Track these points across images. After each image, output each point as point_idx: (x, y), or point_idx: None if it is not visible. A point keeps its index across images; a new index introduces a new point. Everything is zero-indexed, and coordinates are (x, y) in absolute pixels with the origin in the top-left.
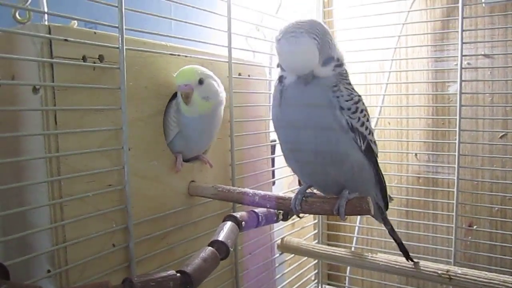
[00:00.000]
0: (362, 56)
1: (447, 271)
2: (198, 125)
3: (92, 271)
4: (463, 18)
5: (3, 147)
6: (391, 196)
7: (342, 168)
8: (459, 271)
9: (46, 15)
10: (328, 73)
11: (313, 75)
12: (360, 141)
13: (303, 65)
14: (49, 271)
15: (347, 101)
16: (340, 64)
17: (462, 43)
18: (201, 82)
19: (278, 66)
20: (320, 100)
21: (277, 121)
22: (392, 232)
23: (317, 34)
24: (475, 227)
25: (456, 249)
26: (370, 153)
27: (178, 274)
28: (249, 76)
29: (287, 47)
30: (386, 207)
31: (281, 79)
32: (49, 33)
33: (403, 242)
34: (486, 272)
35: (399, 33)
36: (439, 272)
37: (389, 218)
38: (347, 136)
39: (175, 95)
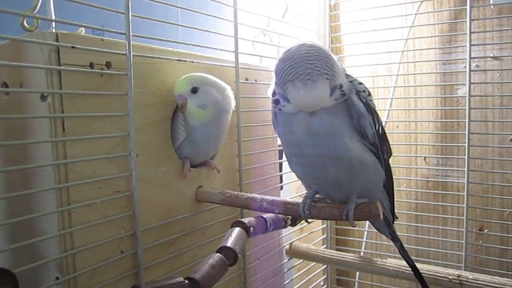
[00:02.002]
0: (369, 60)
1: (458, 276)
2: (203, 131)
3: (101, 278)
4: (471, 20)
5: (12, 154)
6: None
7: (348, 169)
8: (470, 276)
9: (53, 22)
10: (332, 102)
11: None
12: (377, 124)
13: (316, 105)
14: (57, 278)
15: (360, 84)
16: (343, 93)
17: (471, 45)
18: (194, 91)
19: (274, 97)
20: (334, 111)
21: (279, 126)
22: (403, 251)
23: (328, 71)
24: (486, 231)
25: (467, 254)
26: (383, 142)
27: (187, 281)
28: (256, 80)
29: (303, 92)
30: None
31: (277, 103)
32: (57, 41)
33: (413, 246)
34: (498, 277)
35: (406, 36)
36: (450, 277)
37: (398, 222)
38: (354, 136)
39: None
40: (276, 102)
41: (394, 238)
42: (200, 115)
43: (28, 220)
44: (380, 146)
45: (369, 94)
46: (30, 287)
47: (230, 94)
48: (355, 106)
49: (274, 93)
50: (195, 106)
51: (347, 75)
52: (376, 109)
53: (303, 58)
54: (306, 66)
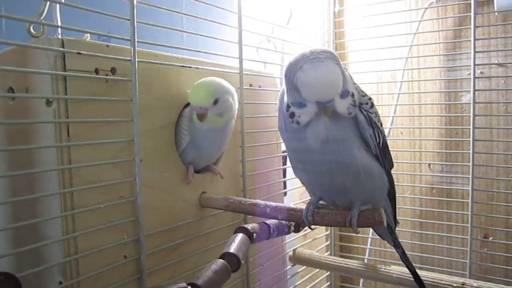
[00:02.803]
0: (373, 66)
1: (463, 284)
2: (209, 136)
3: (104, 283)
4: (475, 27)
5: (17, 159)
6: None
7: (354, 176)
8: (475, 284)
9: (59, 28)
10: (344, 110)
11: (333, 107)
12: (378, 137)
13: (329, 88)
14: (60, 282)
15: (363, 96)
16: (354, 104)
17: (475, 52)
18: (216, 102)
19: (288, 108)
20: (343, 120)
21: (287, 132)
22: (404, 257)
23: (336, 60)
24: (490, 238)
25: (472, 261)
26: (384, 154)
27: (189, 287)
28: (260, 87)
29: (312, 71)
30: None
31: (292, 116)
32: (62, 47)
33: (417, 253)
34: (503, 285)
35: (410, 43)
36: (454, 285)
37: (403, 229)
38: (361, 146)
39: (187, 105)
40: (291, 116)
41: (396, 244)
42: (216, 122)
43: (32, 224)
44: (381, 158)
45: (372, 105)
46: None
47: (236, 97)
48: (357, 118)
49: (288, 107)
50: (214, 115)
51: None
52: (380, 115)
53: (307, 52)
54: (311, 53)
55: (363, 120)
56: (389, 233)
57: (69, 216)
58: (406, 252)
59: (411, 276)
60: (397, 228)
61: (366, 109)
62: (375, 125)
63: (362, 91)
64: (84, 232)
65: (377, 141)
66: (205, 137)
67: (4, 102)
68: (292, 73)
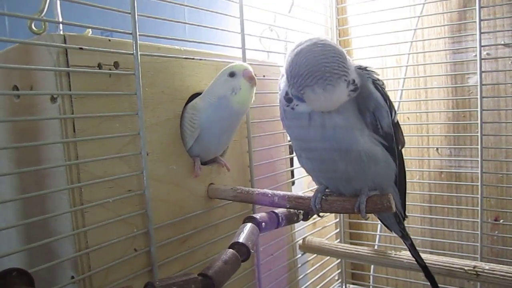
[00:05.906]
0: (378, 52)
1: (474, 267)
2: (220, 125)
3: (115, 276)
4: (480, 7)
5: (24, 156)
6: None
7: (357, 163)
8: (487, 267)
9: (61, 25)
10: (346, 98)
11: None
12: (393, 113)
13: (335, 105)
14: (72, 277)
15: (372, 71)
16: (355, 88)
17: (481, 33)
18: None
19: (286, 96)
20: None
21: (287, 121)
22: (413, 250)
23: (345, 70)
24: (501, 221)
25: (483, 245)
26: (397, 131)
27: (200, 277)
28: (264, 76)
29: (323, 97)
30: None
31: (290, 101)
32: (65, 42)
33: (428, 238)
34: None
35: (415, 26)
36: (466, 268)
37: (412, 214)
38: (363, 129)
39: (190, 99)
40: (288, 101)
41: (404, 236)
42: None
43: (42, 220)
44: (394, 136)
45: (383, 83)
46: (46, 286)
47: None
48: (372, 95)
49: (286, 93)
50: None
51: (360, 67)
52: None
53: (318, 60)
54: (323, 69)
55: (379, 97)
56: (396, 223)
57: (79, 211)
58: (417, 237)
59: None
60: (406, 214)
61: (380, 84)
62: (389, 100)
63: (370, 67)
64: (94, 227)
65: (392, 117)
66: (216, 126)
67: (10, 100)
68: (299, 83)
